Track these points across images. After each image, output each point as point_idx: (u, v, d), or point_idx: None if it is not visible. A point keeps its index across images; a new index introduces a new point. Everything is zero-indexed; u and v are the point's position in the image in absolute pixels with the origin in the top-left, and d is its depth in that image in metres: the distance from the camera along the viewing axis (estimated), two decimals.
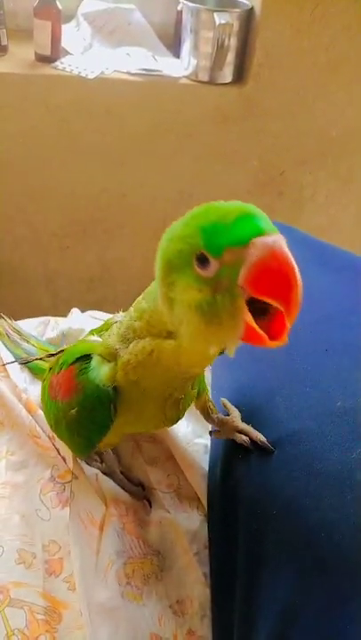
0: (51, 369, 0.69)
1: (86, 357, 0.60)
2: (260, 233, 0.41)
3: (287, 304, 0.41)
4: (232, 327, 0.44)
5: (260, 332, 0.42)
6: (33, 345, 0.90)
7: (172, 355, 0.52)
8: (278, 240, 0.41)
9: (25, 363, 0.87)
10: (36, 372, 0.87)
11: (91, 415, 0.59)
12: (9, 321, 0.95)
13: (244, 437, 0.67)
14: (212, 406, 0.73)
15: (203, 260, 0.44)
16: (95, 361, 0.59)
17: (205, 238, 0.43)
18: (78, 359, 0.60)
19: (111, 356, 0.58)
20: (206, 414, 0.73)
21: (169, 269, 0.47)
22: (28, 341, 0.91)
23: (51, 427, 0.71)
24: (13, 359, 0.88)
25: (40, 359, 0.83)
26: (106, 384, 0.57)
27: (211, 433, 0.74)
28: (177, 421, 0.67)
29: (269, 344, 0.43)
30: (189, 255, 0.45)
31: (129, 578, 0.66)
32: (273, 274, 0.41)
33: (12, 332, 0.92)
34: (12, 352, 0.90)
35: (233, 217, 0.43)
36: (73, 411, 0.59)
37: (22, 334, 0.93)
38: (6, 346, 0.91)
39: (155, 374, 0.56)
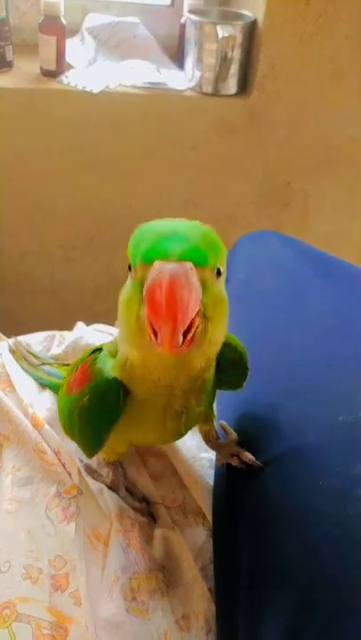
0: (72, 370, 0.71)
1: (100, 350, 0.63)
2: (165, 257, 0.44)
3: (157, 327, 0.44)
4: (139, 330, 0.48)
5: (153, 338, 0.45)
6: (50, 365, 0.92)
7: (140, 363, 0.54)
8: (173, 269, 0.43)
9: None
10: (55, 390, 0.87)
11: (101, 403, 0.59)
12: (24, 344, 0.96)
13: (237, 460, 0.68)
14: (214, 434, 0.74)
15: (130, 268, 0.49)
16: (105, 353, 0.62)
17: (131, 250, 0.49)
18: (93, 352, 0.64)
19: (114, 353, 0.60)
20: (207, 439, 0.75)
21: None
22: (46, 363, 0.93)
23: (63, 427, 0.72)
24: (30, 380, 0.90)
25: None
26: (112, 374, 0.59)
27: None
28: (180, 437, 0.68)
29: (163, 351, 0.45)
30: (129, 260, 0.50)
31: (134, 593, 0.66)
32: (155, 298, 0.43)
33: (28, 354, 0.94)
34: (31, 374, 0.91)
35: (155, 236, 0.46)
36: (85, 398, 0.61)
37: (38, 357, 0.94)
38: (25, 369, 0.92)
39: (136, 382, 0.57)
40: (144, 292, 0.45)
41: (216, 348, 0.55)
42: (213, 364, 0.61)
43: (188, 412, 0.61)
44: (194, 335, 0.46)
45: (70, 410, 0.65)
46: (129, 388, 0.58)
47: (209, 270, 0.47)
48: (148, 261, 0.45)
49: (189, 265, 0.44)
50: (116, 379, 0.58)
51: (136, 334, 0.49)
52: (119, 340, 0.58)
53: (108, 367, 0.60)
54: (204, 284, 0.46)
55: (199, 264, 0.45)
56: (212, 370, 0.61)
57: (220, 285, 0.51)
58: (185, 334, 0.45)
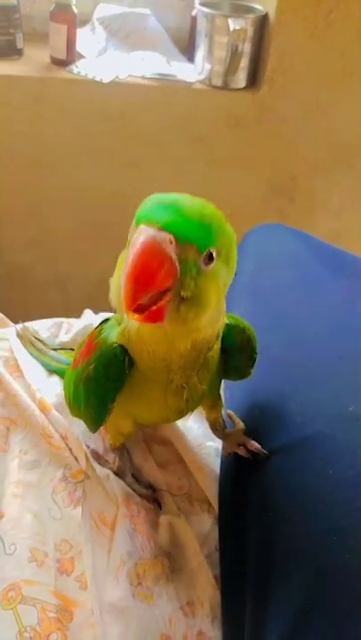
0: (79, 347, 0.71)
1: (106, 321, 0.64)
2: (149, 222, 0.45)
3: (128, 284, 0.44)
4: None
5: (128, 301, 0.45)
6: (57, 351, 0.92)
7: (136, 331, 0.55)
8: (150, 235, 0.44)
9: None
10: (62, 375, 0.87)
11: (106, 370, 0.59)
12: (32, 330, 0.96)
13: (244, 450, 0.68)
14: (221, 422, 0.74)
15: None
16: (110, 323, 0.62)
17: (136, 214, 0.48)
18: (100, 323, 0.64)
19: (120, 320, 0.61)
20: (214, 428, 0.74)
21: None
22: (53, 349, 0.93)
23: (68, 405, 0.72)
24: (37, 366, 0.90)
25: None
26: (117, 342, 0.59)
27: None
28: (182, 415, 0.68)
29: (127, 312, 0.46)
30: None
31: (140, 578, 0.66)
32: (133, 258, 0.44)
33: (35, 340, 0.94)
34: (39, 360, 0.91)
35: (155, 203, 0.47)
36: (91, 367, 0.61)
37: (46, 343, 0.94)
38: (32, 354, 0.92)
39: (134, 351, 0.57)
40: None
41: (202, 333, 0.54)
42: (219, 344, 0.61)
43: (190, 389, 0.60)
44: (162, 310, 0.46)
45: (76, 383, 0.65)
46: (132, 358, 0.58)
47: (193, 250, 0.46)
48: (137, 224, 0.46)
49: (168, 237, 0.44)
50: (121, 346, 0.58)
51: (119, 295, 0.48)
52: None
53: (113, 335, 0.59)
54: (184, 262, 0.45)
55: (181, 240, 0.45)
56: (217, 348, 0.61)
57: (213, 272, 0.49)
58: (151, 305, 0.45)
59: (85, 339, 0.67)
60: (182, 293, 0.46)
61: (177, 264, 0.45)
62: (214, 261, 0.48)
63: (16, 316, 1.03)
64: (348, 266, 0.92)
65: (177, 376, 0.58)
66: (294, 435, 0.64)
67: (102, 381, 0.60)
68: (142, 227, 0.45)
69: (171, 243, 0.44)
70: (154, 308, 0.46)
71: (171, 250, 0.44)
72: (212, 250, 0.48)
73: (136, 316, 0.46)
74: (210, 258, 0.48)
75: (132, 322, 0.54)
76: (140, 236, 0.44)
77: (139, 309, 0.46)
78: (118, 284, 0.48)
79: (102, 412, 0.63)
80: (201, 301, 0.48)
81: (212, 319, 0.53)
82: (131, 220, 0.49)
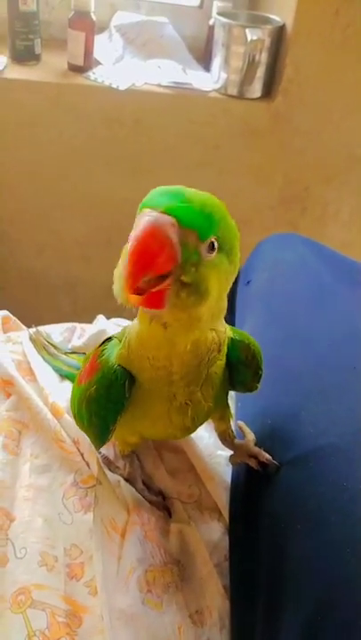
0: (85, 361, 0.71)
1: (109, 340, 0.64)
2: (152, 206, 0.45)
3: (128, 265, 0.44)
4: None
5: (128, 282, 0.45)
6: (69, 356, 0.92)
7: (136, 336, 0.56)
8: (153, 217, 0.44)
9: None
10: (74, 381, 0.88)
11: (107, 393, 0.60)
12: (45, 334, 0.97)
13: (255, 461, 0.68)
14: (231, 433, 0.74)
15: None
16: (112, 342, 0.63)
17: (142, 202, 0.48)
18: (103, 342, 0.64)
19: (122, 338, 0.61)
20: (223, 439, 0.74)
21: None
22: (65, 354, 0.93)
23: (74, 417, 0.72)
24: (50, 370, 0.91)
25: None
26: (118, 363, 0.59)
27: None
28: (188, 432, 0.68)
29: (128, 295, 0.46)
30: None
31: (150, 585, 0.66)
32: (135, 240, 0.44)
33: (48, 344, 0.94)
34: (51, 364, 0.91)
35: (159, 191, 0.48)
36: (92, 389, 0.61)
37: (58, 347, 0.95)
38: (45, 358, 0.92)
39: (135, 363, 0.58)
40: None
41: (202, 329, 0.54)
42: (223, 360, 0.61)
43: (194, 407, 0.60)
44: (162, 293, 0.46)
45: (80, 400, 0.65)
46: (134, 375, 0.59)
47: (194, 236, 0.46)
48: (140, 209, 0.47)
49: (170, 220, 0.44)
50: (122, 367, 0.58)
51: (121, 282, 0.48)
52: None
53: (114, 356, 0.60)
54: (185, 246, 0.45)
55: (183, 224, 0.45)
56: (221, 364, 0.61)
57: (215, 262, 0.49)
58: (151, 287, 0.45)
59: (90, 354, 0.67)
60: (183, 278, 0.46)
61: (178, 247, 0.45)
62: (215, 252, 0.49)
63: (27, 319, 1.03)
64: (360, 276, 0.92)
65: (180, 390, 0.58)
66: (307, 446, 0.64)
67: (103, 403, 0.61)
68: (145, 210, 0.45)
69: (173, 226, 0.44)
70: (154, 290, 0.45)
71: (172, 232, 0.44)
72: (213, 239, 0.48)
73: (135, 298, 0.46)
74: (211, 247, 0.48)
75: (133, 326, 0.56)
76: (143, 218, 0.45)
77: (139, 292, 0.45)
78: (121, 273, 0.48)
79: (104, 432, 0.63)
80: (201, 289, 0.48)
81: (213, 312, 0.52)
82: None
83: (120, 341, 0.61)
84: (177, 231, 0.45)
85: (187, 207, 0.46)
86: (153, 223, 0.44)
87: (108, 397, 0.60)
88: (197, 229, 0.46)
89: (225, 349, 0.60)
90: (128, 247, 0.45)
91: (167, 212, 0.45)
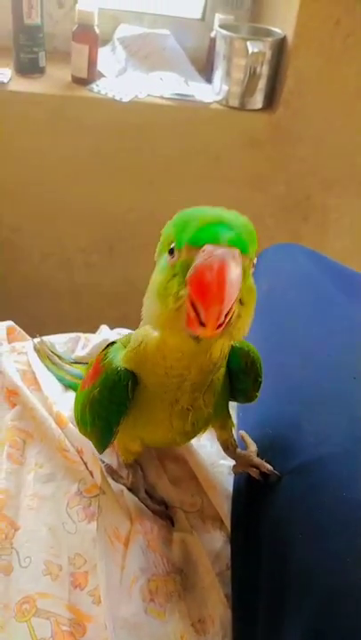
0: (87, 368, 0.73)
1: (112, 344, 0.66)
2: (215, 241, 0.45)
3: (203, 308, 0.45)
4: (176, 310, 0.48)
5: (193, 319, 0.46)
6: (73, 365, 0.94)
7: (156, 347, 0.56)
8: (224, 253, 0.45)
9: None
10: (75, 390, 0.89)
11: (110, 394, 0.61)
12: (49, 344, 0.98)
13: (256, 471, 0.69)
14: (233, 442, 0.74)
15: (172, 250, 0.49)
16: (115, 346, 0.64)
17: (176, 232, 0.49)
18: (106, 347, 0.66)
19: (126, 343, 0.62)
20: (225, 448, 0.75)
21: (159, 250, 0.53)
22: (69, 364, 0.94)
23: (77, 424, 0.73)
24: (54, 380, 0.92)
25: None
26: (122, 366, 0.60)
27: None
28: (188, 438, 0.69)
29: (200, 331, 0.46)
30: (168, 243, 0.50)
31: (152, 594, 0.67)
32: (204, 279, 0.44)
33: (52, 354, 0.95)
34: (55, 374, 0.93)
35: (204, 221, 0.47)
36: (96, 391, 0.62)
37: (62, 357, 0.96)
38: (48, 368, 0.93)
39: (147, 368, 0.59)
40: (190, 273, 0.46)
41: (243, 334, 0.54)
42: (224, 366, 0.62)
43: (195, 412, 0.61)
44: (231, 319, 0.47)
45: (83, 404, 0.66)
46: (139, 378, 0.60)
47: (248, 259, 0.48)
48: (197, 245, 0.46)
49: (237, 251, 0.45)
50: (126, 369, 0.60)
51: (172, 314, 0.49)
52: (143, 321, 0.57)
53: (118, 358, 0.61)
54: (243, 271, 0.47)
55: (243, 252, 0.46)
56: (223, 371, 0.62)
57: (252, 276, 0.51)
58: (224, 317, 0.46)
59: (93, 360, 0.69)
60: (242, 300, 0.48)
61: (242, 276, 0.46)
62: (254, 268, 0.51)
63: (30, 327, 1.05)
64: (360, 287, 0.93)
65: (185, 396, 0.59)
66: (308, 455, 0.65)
67: (107, 404, 0.62)
68: (210, 247, 0.45)
69: (237, 258, 0.45)
70: (227, 319, 0.46)
71: (239, 265, 0.45)
72: (255, 258, 0.50)
73: (201, 329, 0.46)
74: (254, 265, 0.51)
75: (151, 338, 0.56)
76: (214, 256, 0.44)
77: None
78: (171, 305, 0.49)
79: (108, 434, 0.64)
80: (251, 305, 0.51)
81: (251, 321, 0.54)
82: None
83: (124, 346, 0.62)
84: (240, 262, 0.46)
85: (240, 235, 0.47)
86: (229, 260, 0.44)
87: (111, 398, 0.61)
88: (249, 254, 0.48)
89: (227, 355, 0.61)
90: (196, 280, 0.45)
91: (231, 244, 0.46)
